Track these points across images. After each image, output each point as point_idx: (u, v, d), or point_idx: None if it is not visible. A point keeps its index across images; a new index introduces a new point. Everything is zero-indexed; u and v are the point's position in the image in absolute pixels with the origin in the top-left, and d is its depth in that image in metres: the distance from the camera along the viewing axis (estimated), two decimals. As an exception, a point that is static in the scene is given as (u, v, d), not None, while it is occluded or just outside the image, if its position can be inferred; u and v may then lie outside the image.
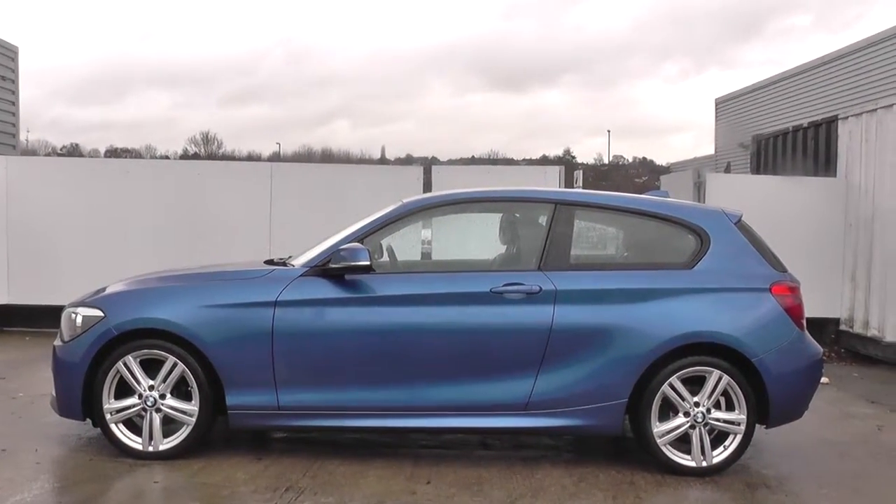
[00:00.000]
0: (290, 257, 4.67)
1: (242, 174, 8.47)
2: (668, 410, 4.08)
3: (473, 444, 4.54)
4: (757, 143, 10.62)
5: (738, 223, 4.39)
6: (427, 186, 8.38)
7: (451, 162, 31.10)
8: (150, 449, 4.06)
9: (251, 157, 31.91)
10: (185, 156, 39.66)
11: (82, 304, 4.22)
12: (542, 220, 4.30)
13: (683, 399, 4.05)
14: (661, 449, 4.05)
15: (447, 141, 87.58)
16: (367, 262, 3.95)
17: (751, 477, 4.12)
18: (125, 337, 4.04)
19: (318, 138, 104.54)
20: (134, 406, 4.06)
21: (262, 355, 4.01)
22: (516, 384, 4.04)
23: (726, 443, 4.09)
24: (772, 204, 7.81)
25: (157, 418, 4.06)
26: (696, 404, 4.05)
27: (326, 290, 4.07)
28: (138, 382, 4.05)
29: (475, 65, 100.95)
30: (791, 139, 9.62)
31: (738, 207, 4.58)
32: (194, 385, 4.03)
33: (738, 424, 4.06)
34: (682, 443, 4.10)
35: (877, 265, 7.54)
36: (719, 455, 4.07)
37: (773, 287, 4.20)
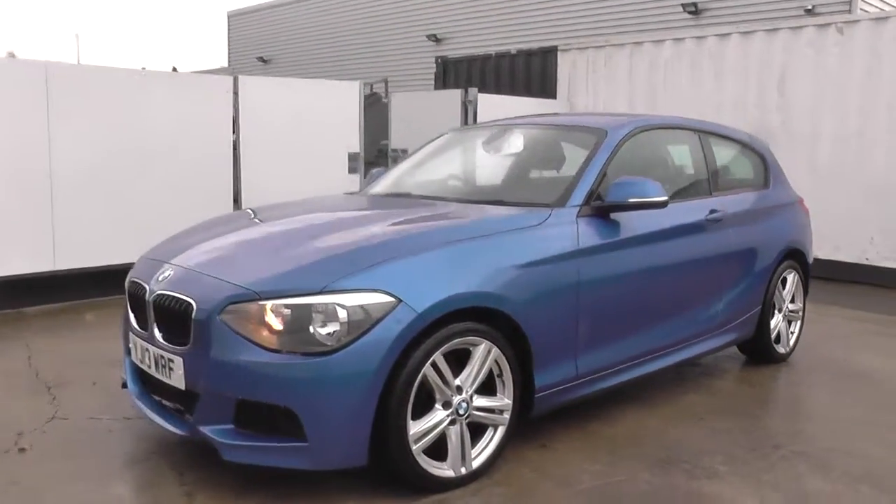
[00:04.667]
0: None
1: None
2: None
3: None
4: (443, 64, 11.42)
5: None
6: (235, 96, 6.91)
7: None
8: (464, 471, 2.94)
9: None
10: None
11: (334, 289, 2.65)
12: (697, 147, 4.37)
13: (782, 298, 4.83)
14: (772, 342, 4.76)
15: None
16: (666, 198, 3.50)
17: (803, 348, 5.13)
18: (428, 328, 2.76)
19: None
20: (441, 422, 2.85)
21: (569, 317, 3.25)
22: (712, 308, 4.19)
23: (792, 329, 5.03)
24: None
25: (466, 429, 2.93)
26: (783, 300, 4.88)
27: (604, 231, 3.46)
28: (447, 386, 2.84)
29: None
30: (482, 63, 10.98)
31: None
32: (507, 372, 3.03)
33: (799, 312, 5.05)
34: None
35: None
36: (793, 339, 5.00)
37: (799, 200, 5.24)
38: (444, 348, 2.79)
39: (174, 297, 2.88)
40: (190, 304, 2.79)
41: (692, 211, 4.05)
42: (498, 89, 10.87)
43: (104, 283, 6.11)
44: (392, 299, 2.67)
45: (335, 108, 7.57)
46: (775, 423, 3.85)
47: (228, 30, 29.32)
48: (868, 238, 7.33)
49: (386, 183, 4.35)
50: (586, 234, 3.36)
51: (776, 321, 4.78)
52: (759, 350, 4.77)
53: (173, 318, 2.88)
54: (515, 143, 4.21)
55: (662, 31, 12.42)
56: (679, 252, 3.90)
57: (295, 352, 2.61)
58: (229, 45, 29.44)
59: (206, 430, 2.76)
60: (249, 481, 2.97)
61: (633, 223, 3.61)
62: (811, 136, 7.66)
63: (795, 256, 4.90)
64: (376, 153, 10.58)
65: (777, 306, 4.79)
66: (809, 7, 12.84)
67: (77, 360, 4.62)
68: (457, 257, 2.93)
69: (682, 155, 4.35)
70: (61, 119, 5.65)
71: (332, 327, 2.61)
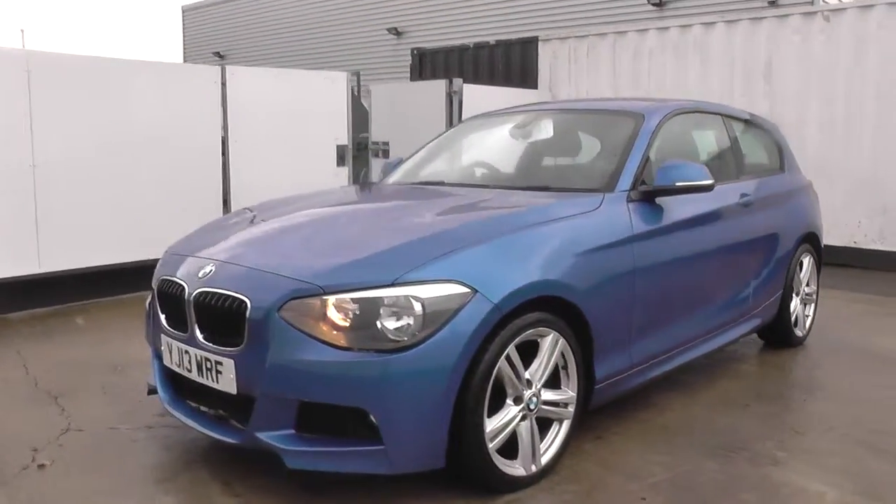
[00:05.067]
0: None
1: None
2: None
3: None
4: (419, 56, 11.24)
5: (779, 131, 5.24)
6: (224, 87, 6.64)
7: None
8: (534, 469, 2.80)
9: None
10: None
11: (406, 280, 2.48)
12: (723, 131, 4.33)
13: (799, 281, 4.82)
14: (792, 326, 4.76)
15: None
16: (713, 181, 3.42)
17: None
18: (502, 319, 2.61)
19: None
20: (514, 418, 2.71)
21: (626, 304, 3.15)
22: (745, 292, 4.14)
23: (807, 312, 5.03)
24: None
25: (535, 425, 2.80)
26: (801, 283, 4.87)
27: (652, 216, 3.36)
28: (520, 380, 2.71)
29: None
30: (459, 54, 10.85)
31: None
32: (572, 364, 2.90)
33: (814, 295, 5.06)
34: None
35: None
36: (808, 322, 4.99)
37: (810, 183, 5.24)
38: (517, 340, 2.66)
39: (222, 294, 2.66)
40: (243, 301, 2.59)
41: (727, 195, 3.98)
42: (476, 80, 10.72)
43: (91, 285, 5.78)
44: (468, 290, 2.52)
45: (323, 100, 7.36)
46: (816, 406, 3.82)
47: (183, 24, 28.49)
48: (856, 222, 7.45)
49: (407, 172, 4.18)
50: (637, 219, 3.26)
51: (794, 304, 4.77)
52: (779, 333, 4.75)
53: (221, 318, 2.67)
54: (547, 128, 4.09)
55: (625, 23, 12.44)
56: (719, 236, 3.84)
57: (367, 349, 2.44)
58: (184, 41, 28.60)
59: (264, 436, 2.56)
60: (303, 488, 2.79)
61: (674, 207, 3.52)
62: (798, 123, 7.74)
63: (811, 240, 4.90)
64: (356, 147, 10.34)
65: (795, 290, 4.79)
66: (772, -1, 13.04)
67: (76, 366, 4.34)
68: (524, 245, 2.79)
69: (712, 139, 4.29)
70: (44, 111, 5.31)
71: (404, 321, 2.45)
